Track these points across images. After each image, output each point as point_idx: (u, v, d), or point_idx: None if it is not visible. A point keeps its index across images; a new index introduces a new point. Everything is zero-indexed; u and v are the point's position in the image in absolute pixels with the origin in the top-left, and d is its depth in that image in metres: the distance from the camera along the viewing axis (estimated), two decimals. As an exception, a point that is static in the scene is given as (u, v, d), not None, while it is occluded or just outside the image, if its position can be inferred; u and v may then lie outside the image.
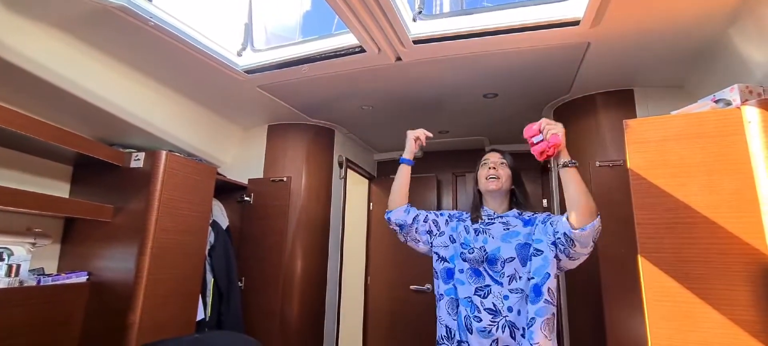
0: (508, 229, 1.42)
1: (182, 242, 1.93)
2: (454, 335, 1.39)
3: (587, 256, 1.29)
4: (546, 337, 1.24)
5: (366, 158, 3.57)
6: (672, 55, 1.82)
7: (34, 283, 1.66)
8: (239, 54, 2.03)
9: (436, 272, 1.50)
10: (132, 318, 1.68)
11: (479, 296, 1.35)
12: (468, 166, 3.29)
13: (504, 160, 1.52)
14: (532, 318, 1.26)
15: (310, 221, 2.70)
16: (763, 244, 1.15)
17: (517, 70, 2.01)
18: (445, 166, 3.59)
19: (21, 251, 1.70)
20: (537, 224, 1.38)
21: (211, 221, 2.26)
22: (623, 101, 2.18)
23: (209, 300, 2.20)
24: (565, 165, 1.26)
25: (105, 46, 1.76)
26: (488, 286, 1.35)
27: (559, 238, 1.28)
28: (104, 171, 1.93)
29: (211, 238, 2.28)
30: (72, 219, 1.93)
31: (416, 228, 1.53)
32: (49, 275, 1.75)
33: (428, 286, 3.18)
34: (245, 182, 2.67)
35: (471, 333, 1.33)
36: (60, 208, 1.72)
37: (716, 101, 1.36)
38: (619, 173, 2.03)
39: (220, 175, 2.40)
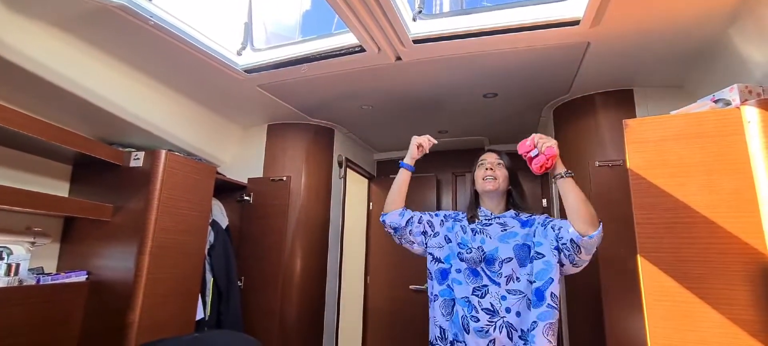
0: (506, 229, 1.42)
1: (182, 242, 1.93)
2: (448, 336, 1.38)
3: (588, 262, 1.30)
4: (549, 342, 1.23)
5: (366, 158, 3.57)
6: (672, 55, 1.82)
7: (33, 282, 1.66)
8: (239, 53, 2.03)
9: (430, 273, 1.49)
10: (131, 317, 1.68)
11: (477, 296, 1.35)
12: (467, 165, 3.25)
13: (501, 161, 1.52)
14: (535, 322, 1.25)
15: (310, 220, 2.70)
16: (762, 244, 1.15)
17: (516, 70, 2.01)
18: (445, 165, 3.60)
19: (20, 250, 1.70)
20: (536, 226, 1.38)
21: (210, 221, 2.26)
22: (623, 101, 2.18)
23: (209, 299, 2.20)
24: (561, 176, 1.28)
25: (105, 45, 1.76)
26: (486, 286, 1.35)
27: (564, 244, 1.27)
28: (104, 170, 1.93)
29: (211, 237, 2.28)
30: (71, 218, 1.93)
31: (410, 230, 1.53)
32: (48, 274, 1.75)
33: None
34: (245, 181, 2.67)
35: (468, 333, 1.33)
36: (59, 207, 1.72)
37: (716, 101, 1.36)
38: (618, 172, 2.04)
39: (220, 174, 2.40)
